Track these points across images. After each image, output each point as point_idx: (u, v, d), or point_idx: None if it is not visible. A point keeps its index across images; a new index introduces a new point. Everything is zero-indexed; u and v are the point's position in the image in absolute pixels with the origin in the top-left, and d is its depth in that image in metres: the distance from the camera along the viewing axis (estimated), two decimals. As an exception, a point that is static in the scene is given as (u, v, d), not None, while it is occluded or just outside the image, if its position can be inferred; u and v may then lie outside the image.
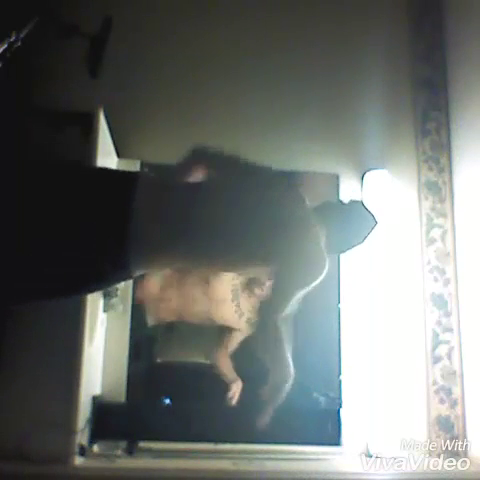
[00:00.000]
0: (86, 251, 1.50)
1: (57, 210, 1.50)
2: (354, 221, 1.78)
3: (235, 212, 1.62)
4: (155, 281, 2.60)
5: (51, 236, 1.49)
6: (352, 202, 1.86)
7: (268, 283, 2.54)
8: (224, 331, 2.62)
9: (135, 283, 2.60)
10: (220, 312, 2.62)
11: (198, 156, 1.77)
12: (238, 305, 2.61)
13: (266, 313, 1.62)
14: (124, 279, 1.72)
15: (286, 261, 1.61)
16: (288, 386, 1.62)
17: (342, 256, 2.66)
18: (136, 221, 1.50)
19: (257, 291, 2.59)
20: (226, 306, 2.61)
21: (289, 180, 1.75)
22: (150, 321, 2.63)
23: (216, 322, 2.63)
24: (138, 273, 1.62)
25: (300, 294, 1.62)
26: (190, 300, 2.62)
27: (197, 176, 1.77)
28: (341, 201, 1.87)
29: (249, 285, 2.61)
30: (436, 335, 2.67)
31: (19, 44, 1.65)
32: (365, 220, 1.80)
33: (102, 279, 1.63)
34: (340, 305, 2.66)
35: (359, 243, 1.81)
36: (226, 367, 2.57)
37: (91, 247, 1.50)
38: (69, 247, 1.49)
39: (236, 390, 2.54)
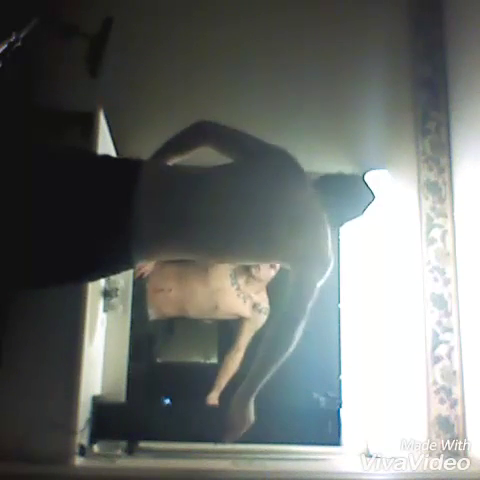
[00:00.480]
0: (88, 240, 1.50)
1: (59, 199, 1.50)
2: (353, 193, 1.80)
3: (239, 204, 1.60)
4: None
5: (53, 224, 1.49)
6: (352, 175, 1.88)
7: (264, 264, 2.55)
8: (236, 325, 2.60)
9: (135, 284, 2.60)
10: (222, 300, 2.60)
11: (203, 129, 1.74)
12: (239, 288, 2.60)
13: (295, 308, 1.61)
14: (126, 269, 1.72)
15: (300, 257, 1.61)
16: (270, 371, 1.60)
17: (342, 253, 2.67)
18: (138, 211, 1.50)
19: (254, 272, 2.59)
20: (227, 292, 2.60)
21: (298, 166, 1.72)
22: (151, 315, 2.62)
23: (221, 312, 2.61)
24: (140, 263, 1.61)
25: (318, 286, 1.63)
26: (191, 290, 2.61)
27: (195, 151, 1.74)
28: (341, 173, 1.87)
29: (246, 268, 2.60)
30: (436, 335, 2.67)
31: (19, 44, 1.65)
32: (364, 193, 1.81)
33: (103, 268, 1.63)
34: (340, 305, 2.66)
35: (358, 216, 1.82)
36: (231, 369, 2.55)
37: (93, 236, 1.50)
38: (71, 235, 1.49)
39: (216, 395, 2.50)
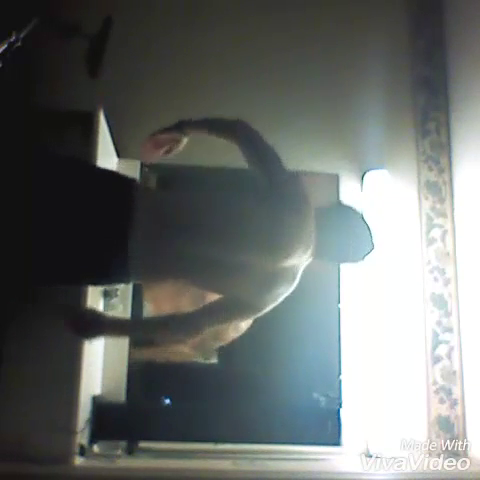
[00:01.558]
0: (88, 255, 1.51)
1: (57, 209, 1.50)
2: (353, 235, 1.70)
3: (239, 232, 1.59)
4: None
5: (51, 231, 1.49)
6: (353, 212, 1.75)
7: None
8: None
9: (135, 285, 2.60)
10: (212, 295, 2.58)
11: (238, 127, 1.78)
12: None
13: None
14: (123, 283, 1.73)
15: (247, 301, 1.62)
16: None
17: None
18: (136, 226, 1.50)
19: None
20: None
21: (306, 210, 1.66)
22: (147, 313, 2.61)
23: None
24: (136, 281, 1.62)
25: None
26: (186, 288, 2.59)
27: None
28: (343, 207, 1.78)
29: None
30: (436, 335, 2.68)
31: (19, 44, 1.65)
32: (364, 240, 1.71)
33: (102, 279, 1.63)
34: (340, 305, 2.66)
35: (357, 261, 1.76)
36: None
37: (92, 248, 1.51)
38: (69, 244, 1.50)
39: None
